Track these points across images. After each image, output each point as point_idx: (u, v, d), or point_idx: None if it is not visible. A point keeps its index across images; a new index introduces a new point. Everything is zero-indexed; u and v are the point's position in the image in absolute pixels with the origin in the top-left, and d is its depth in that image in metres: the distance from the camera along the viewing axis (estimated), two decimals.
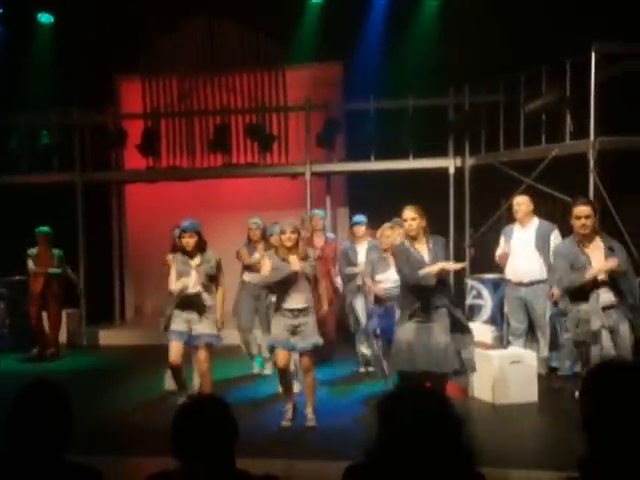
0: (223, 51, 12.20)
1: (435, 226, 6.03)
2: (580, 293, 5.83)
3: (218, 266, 6.72)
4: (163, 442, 2.54)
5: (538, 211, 7.91)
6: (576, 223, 5.80)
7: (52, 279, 9.93)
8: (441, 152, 10.67)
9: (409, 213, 5.98)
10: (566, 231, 7.12)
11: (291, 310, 6.31)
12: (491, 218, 9.64)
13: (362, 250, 8.28)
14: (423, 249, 5.98)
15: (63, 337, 10.62)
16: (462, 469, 2.11)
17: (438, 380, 5.83)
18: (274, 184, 11.68)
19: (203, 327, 6.60)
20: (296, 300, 6.31)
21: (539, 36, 9.21)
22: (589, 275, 5.77)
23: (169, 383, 7.52)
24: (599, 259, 5.82)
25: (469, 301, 9.32)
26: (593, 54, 8.11)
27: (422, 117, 10.45)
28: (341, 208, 11.98)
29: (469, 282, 9.39)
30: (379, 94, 10.68)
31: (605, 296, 5.81)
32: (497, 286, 8.78)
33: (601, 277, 5.79)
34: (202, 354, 6.59)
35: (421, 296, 5.86)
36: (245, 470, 2.50)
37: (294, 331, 6.33)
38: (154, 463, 2.87)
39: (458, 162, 10.61)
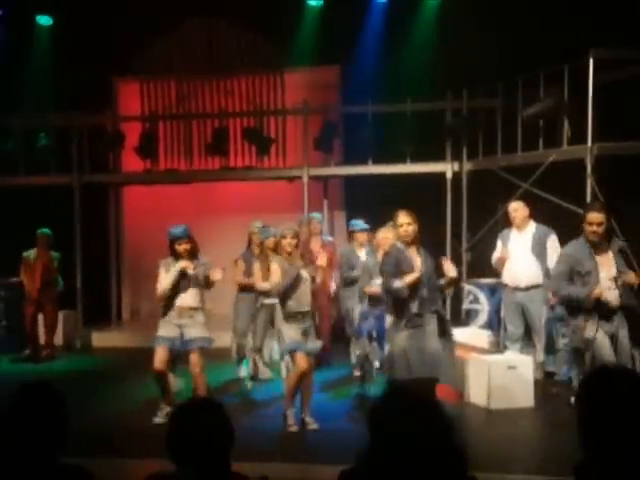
0: (221, 54, 12.21)
1: (432, 230, 6.01)
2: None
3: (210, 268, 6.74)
4: (159, 444, 2.53)
5: (535, 216, 7.91)
6: (587, 229, 5.72)
7: (49, 282, 9.92)
8: (439, 156, 10.67)
9: (404, 218, 5.91)
10: (564, 236, 7.13)
11: (301, 313, 6.35)
12: (488, 223, 9.65)
13: (364, 256, 8.27)
14: (414, 254, 5.93)
15: (59, 339, 10.60)
16: (455, 473, 2.10)
17: (428, 385, 5.79)
18: (272, 187, 11.67)
19: (195, 331, 6.64)
20: (302, 302, 6.35)
21: (537, 41, 9.23)
22: (594, 295, 5.71)
23: None
24: (608, 267, 5.77)
25: (466, 306, 9.31)
26: (591, 59, 8.12)
27: (420, 121, 10.44)
28: (338, 212, 11.98)
29: (466, 287, 9.39)
30: (377, 98, 10.68)
31: (610, 295, 5.75)
32: (494, 291, 8.79)
33: (605, 294, 5.72)
34: (194, 357, 6.64)
35: (413, 302, 5.82)
36: (240, 473, 2.49)
37: (305, 334, 6.37)
38: (150, 465, 2.88)
39: (456, 167, 10.61)
